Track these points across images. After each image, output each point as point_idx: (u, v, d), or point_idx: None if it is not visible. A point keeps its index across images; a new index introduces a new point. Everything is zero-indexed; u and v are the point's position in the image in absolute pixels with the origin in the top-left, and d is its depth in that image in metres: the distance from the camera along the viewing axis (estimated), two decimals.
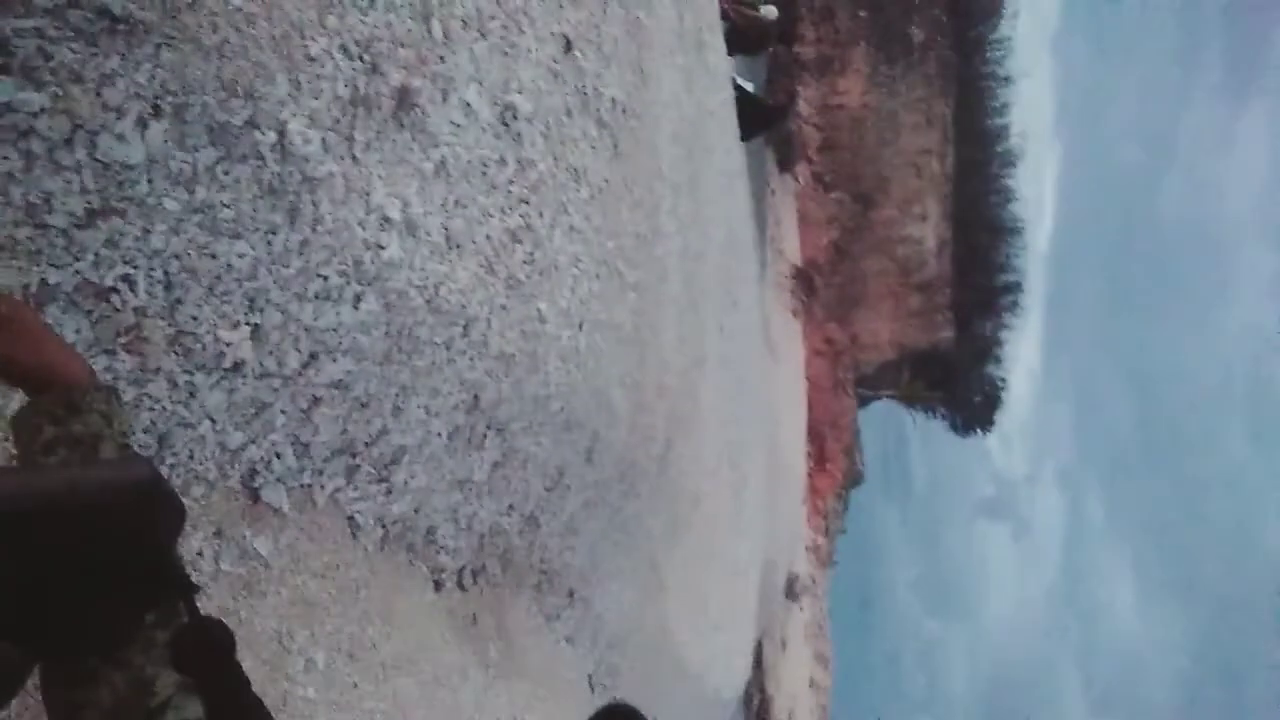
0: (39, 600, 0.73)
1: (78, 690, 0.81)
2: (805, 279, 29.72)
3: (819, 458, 30.28)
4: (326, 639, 3.34)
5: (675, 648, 8.94)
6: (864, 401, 37.46)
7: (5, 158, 2.07)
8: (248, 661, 2.90)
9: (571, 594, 6.34)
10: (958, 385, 37.76)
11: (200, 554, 2.79)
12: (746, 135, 14.79)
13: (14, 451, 0.90)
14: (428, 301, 3.99)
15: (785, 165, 27.47)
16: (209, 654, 0.83)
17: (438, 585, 4.55)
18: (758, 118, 15.50)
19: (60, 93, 2.17)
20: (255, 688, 2.80)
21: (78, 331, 2.31)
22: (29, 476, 0.76)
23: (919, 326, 35.24)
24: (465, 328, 4.35)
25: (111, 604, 0.78)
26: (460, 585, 4.80)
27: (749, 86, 15.34)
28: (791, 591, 23.34)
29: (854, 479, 37.48)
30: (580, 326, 5.80)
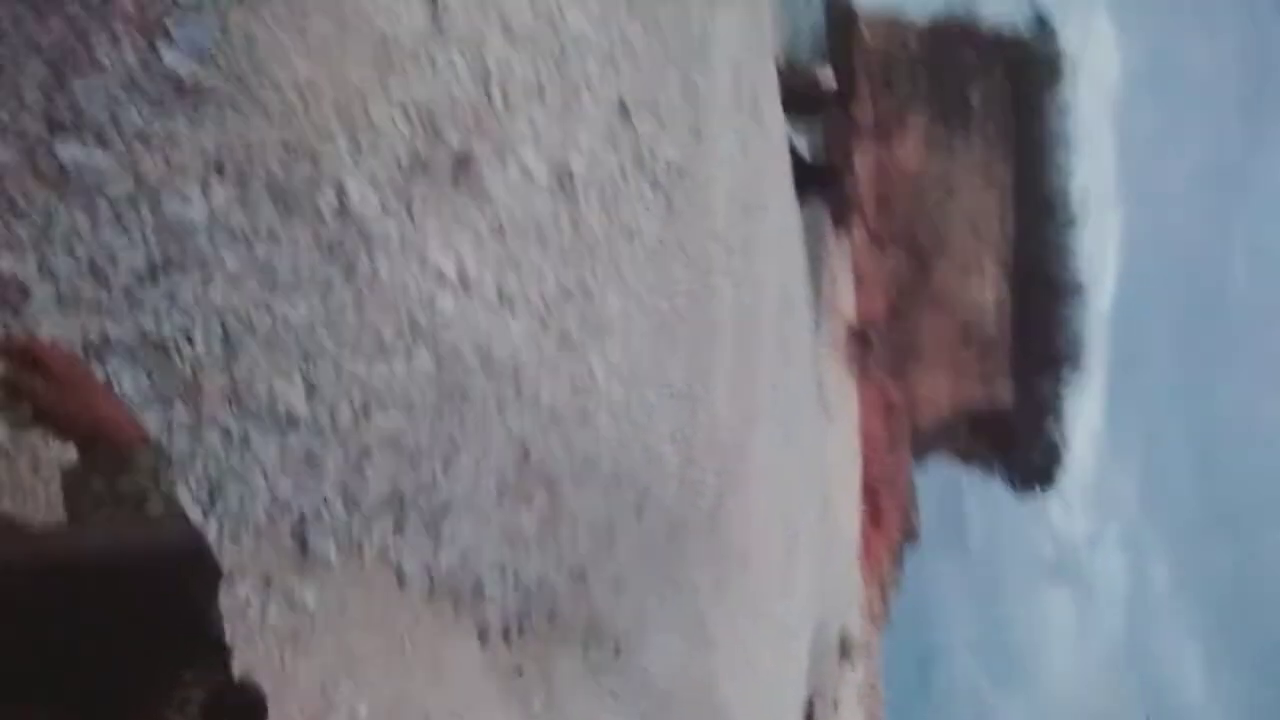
0: (72, 658, 0.76)
1: None
2: (861, 337, 29.54)
3: (874, 516, 29.83)
4: (370, 691, 3.36)
5: (723, 706, 8.80)
6: (920, 457, 36.90)
7: (71, 213, 2.17)
8: (292, 711, 2.93)
9: (617, 649, 6.29)
10: (1017, 443, 37.02)
11: (248, 602, 2.84)
12: (801, 196, 14.86)
13: (63, 508, 0.94)
14: (480, 357, 4.05)
15: (841, 224, 27.48)
16: (243, 717, 0.85)
17: (483, 638, 4.56)
18: (812, 178, 15.57)
19: (127, 152, 2.28)
20: None
21: (136, 383, 2.39)
22: (73, 535, 0.80)
23: (977, 385, 34.74)
24: (517, 383, 4.41)
25: (146, 664, 0.80)
26: (505, 638, 4.80)
27: (804, 147, 15.44)
28: (845, 651, 22.86)
29: (910, 537, 36.81)
30: (631, 383, 5.83)
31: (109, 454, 0.97)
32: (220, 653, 0.87)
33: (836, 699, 21.28)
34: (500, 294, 4.15)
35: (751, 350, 9.47)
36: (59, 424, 0.96)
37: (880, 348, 31.04)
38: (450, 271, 3.74)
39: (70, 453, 1.02)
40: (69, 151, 2.16)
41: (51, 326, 2.11)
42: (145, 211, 2.33)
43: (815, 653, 14.75)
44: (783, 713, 11.59)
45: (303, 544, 3.18)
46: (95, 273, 2.22)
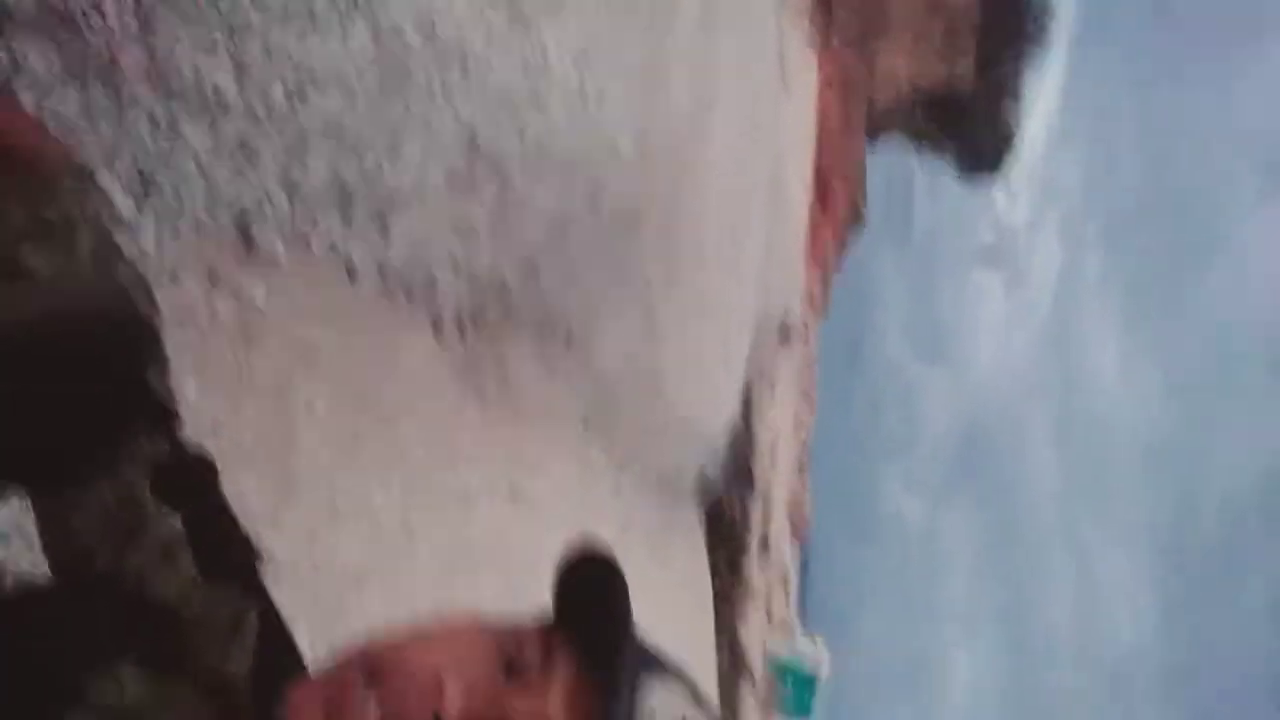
0: (9, 428, 0.67)
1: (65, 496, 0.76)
2: (826, 5, 27.98)
3: (822, 199, 29.88)
4: (327, 385, 3.35)
5: (668, 392, 9.18)
6: (873, 138, 36.49)
7: None
8: (248, 407, 2.91)
9: (569, 339, 6.40)
10: (972, 125, 36.62)
11: (196, 300, 2.73)
12: None
13: None
14: (423, 35, 3.71)
15: None
16: (191, 485, 0.78)
17: (437, 329, 4.56)
18: None
19: None
20: (257, 434, 2.82)
21: (45, 60, 2.13)
22: None
23: (939, 63, 33.73)
24: (463, 63, 4.09)
25: (88, 433, 0.70)
26: (459, 329, 4.81)
27: None
28: (784, 335, 23.81)
29: (856, 222, 37.25)
30: (586, 64, 5.48)
31: (28, 181, 0.82)
32: (167, 420, 0.77)
33: (773, 380, 22.42)
34: None
35: (713, 28, 8.94)
36: None
37: (846, 17, 29.58)
38: None
39: None
40: None
41: None
42: None
43: (757, 338, 15.31)
44: (723, 399, 12.19)
45: (247, 238, 3.03)
46: None
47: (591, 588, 0.63)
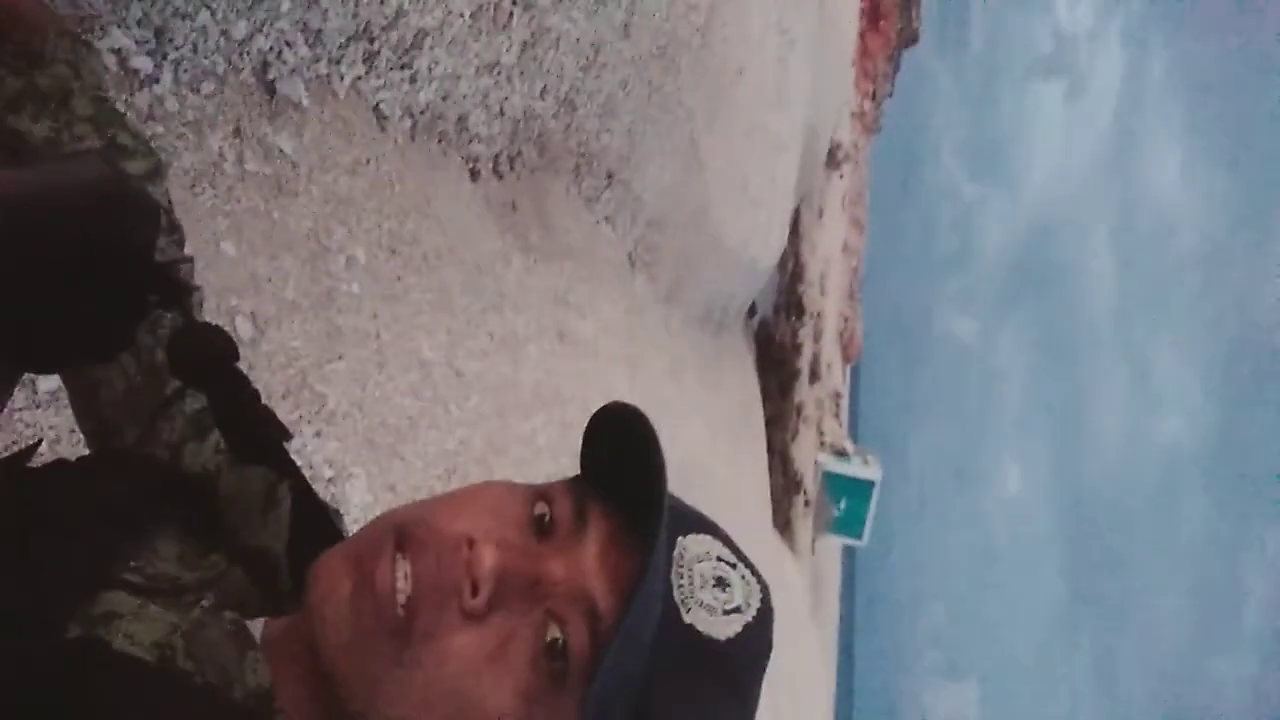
0: (17, 316, 0.65)
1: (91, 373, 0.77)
2: None
3: (873, 16, 28.48)
4: (365, 235, 3.33)
5: (714, 224, 9.04)
6: None
7: None
8: (287, 261, 2.91)
9: (610, 176, 6.27)
10: None
11: (222, 155, 2.69)
12: None
13: None
14: None
15: None
16: (211, 362, 0.76)
17: (474, 174, 4.48)
18: None
19: None
20: (298, 288, 2.82)
21: None
22: None
23: None
24: None
25: (95, 311, 0.69)
26: (496, 172, 4.72)
27: None
28: (833, 159, 23.20)
29: (909, 39, 35.57)
30: None
31: (20, 45, 0.79)
32: (178, 298, 0.76)
33: (822, 207, 22.02)
34: None
35: None
36: None
37: None
38: None
39: None
40: None
41: None
42: None
43: (804, 163, 14.91)
44: (770, 228, 11.97)
45: (269, 88, 2.95)
46: None
47: (623, 445, 0.60)
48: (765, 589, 0.61)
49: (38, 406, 1.93)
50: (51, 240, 0.63)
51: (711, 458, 9.24)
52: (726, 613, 0.57)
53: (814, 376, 23.40)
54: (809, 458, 23.35)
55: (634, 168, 6.48)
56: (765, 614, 0.60)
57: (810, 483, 23.25)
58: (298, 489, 0.75)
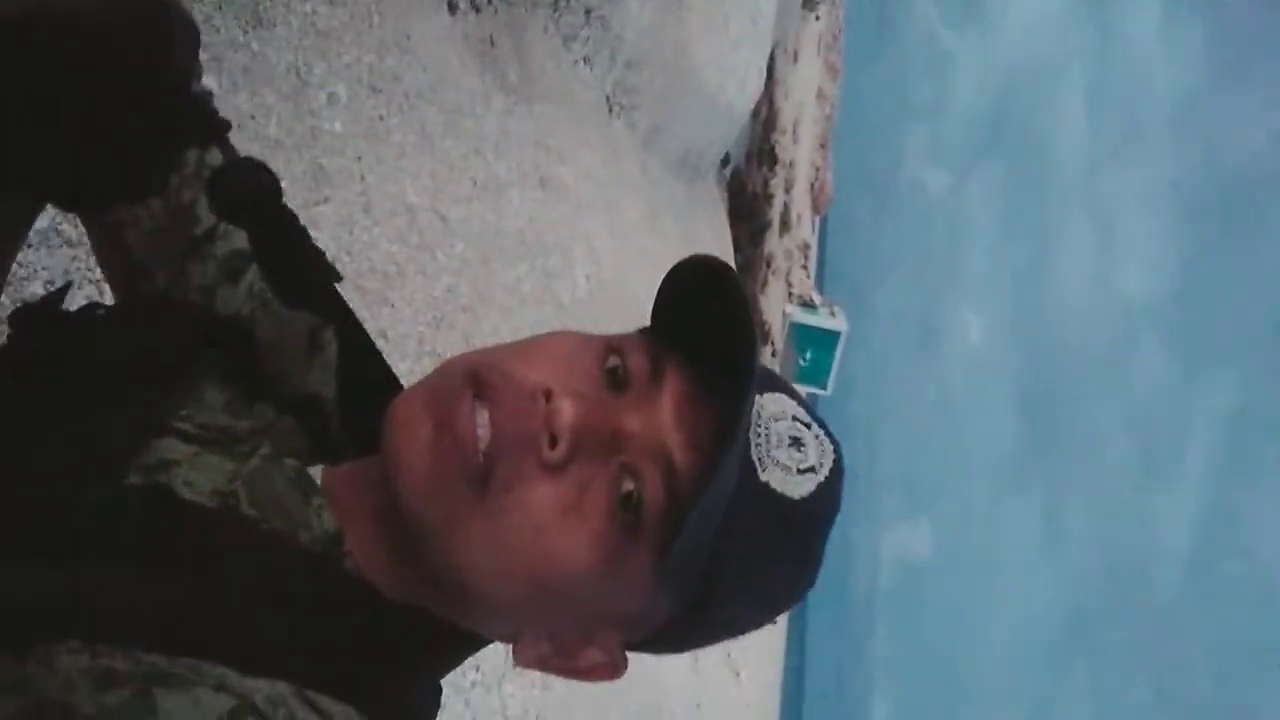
0: (49, 142, 0.60)
1: (116, 212, 0.71)
2: None
3: None
4: (345, 71, 3.19)
5: (693, 66, 8.75)
6: None
7: None
8: (269, 97, 2.79)
9: (588, 12, 6.02)
10: None
11: None
12: None
13: None
14: None
15: None
16: (251, 198, 0.70)
17: (452, 8, 4.28)
18: None
19: None
20: (281, 126, 2.72)
21: None
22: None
23: None
24: None
25: (132, 144, 0.63)
26: (473, 5, 4.52)
27: None
28: (810, 0, 22.46)
29: None
30: None
31: None
32: (218, 130, 0.70)
33: (797, 50, 21.43)
34: None
35: None
36: None
37: None
38: None
39: None
40: None
41: None
42: None
43: (781, 5, 14.40)
44: (748, 71, 11.63)
45: None
46: None
47: (699, 300, 0.57)
48: (838, 450, 0.60)
49: (29, 246, 1.87)
50: (86, 56, 0.58)
51: None
52: (801, 472, 0.57)
53: (784, 227, 23.31)
54: (777, 309, 23.50)
55: (613, 3, 6.22)
56: (837, 474, 0.59)
57: (778, 333, 23.49)
58: (346, 333, 0.72)
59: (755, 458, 0.56)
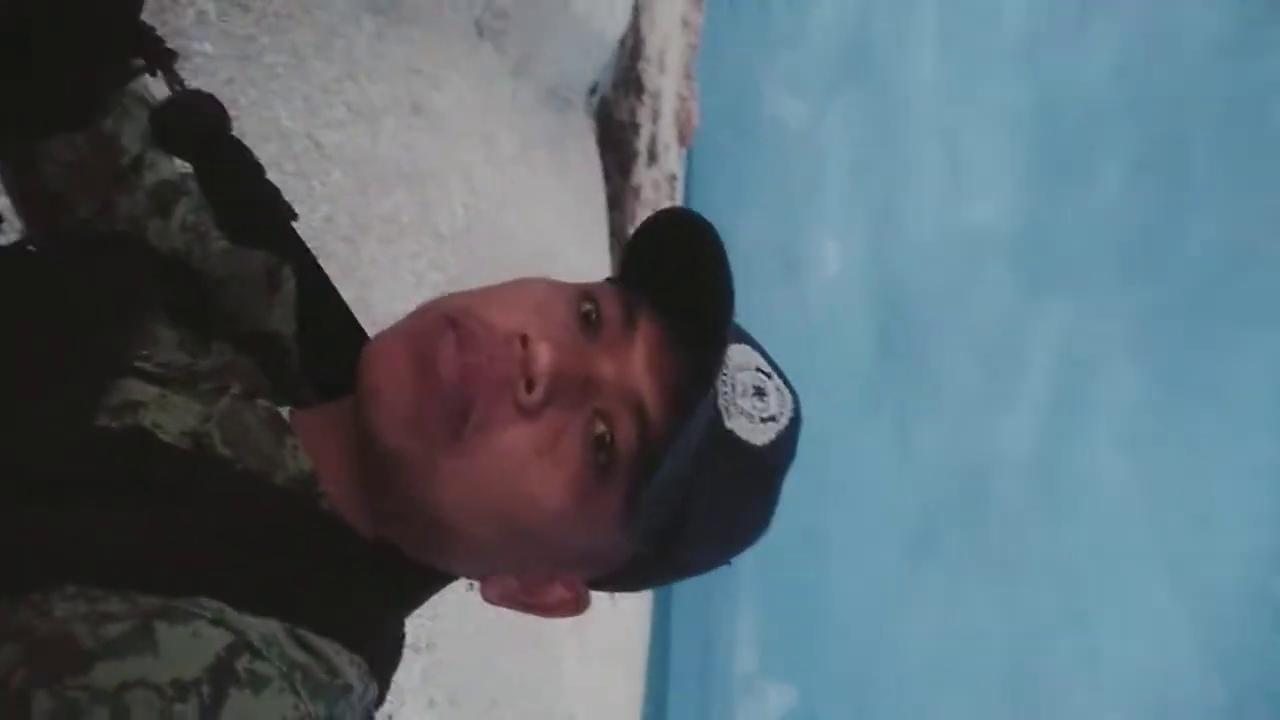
0: None
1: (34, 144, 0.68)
2: None
3: None
4: None
5: None
6: None
7: None
8: None
9: None
10: None
11: None
12: None
13: None
14: None
15: None
16: (200, 131, 0.68)
17: None
18: None
19: None
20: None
21: None
22: None
23: None
24: None
25: (81, 71, 0.62)
26: None
27: None
28: None
29: None
30: None
31: None
32: (163, 59, 0.67)
33: None
34: None
35: None
36: None
37: None
38: None
39: None
40: None
41: None
42: None
43: None
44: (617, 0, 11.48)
45: None
46: None
47: (673, 251, 0.58)
48: (797, 400, 0.62)
49: None
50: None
51: (562, 242, 9.23)
52: (763, 420, 0.59)
53: (652, 158, 23.29)
54: None
55: None
56: (796, 423, 0.61)
57: None
58: (304, 271, 0.70)
59: (721, 406, 0.58)
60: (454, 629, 3.98)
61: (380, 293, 3.95)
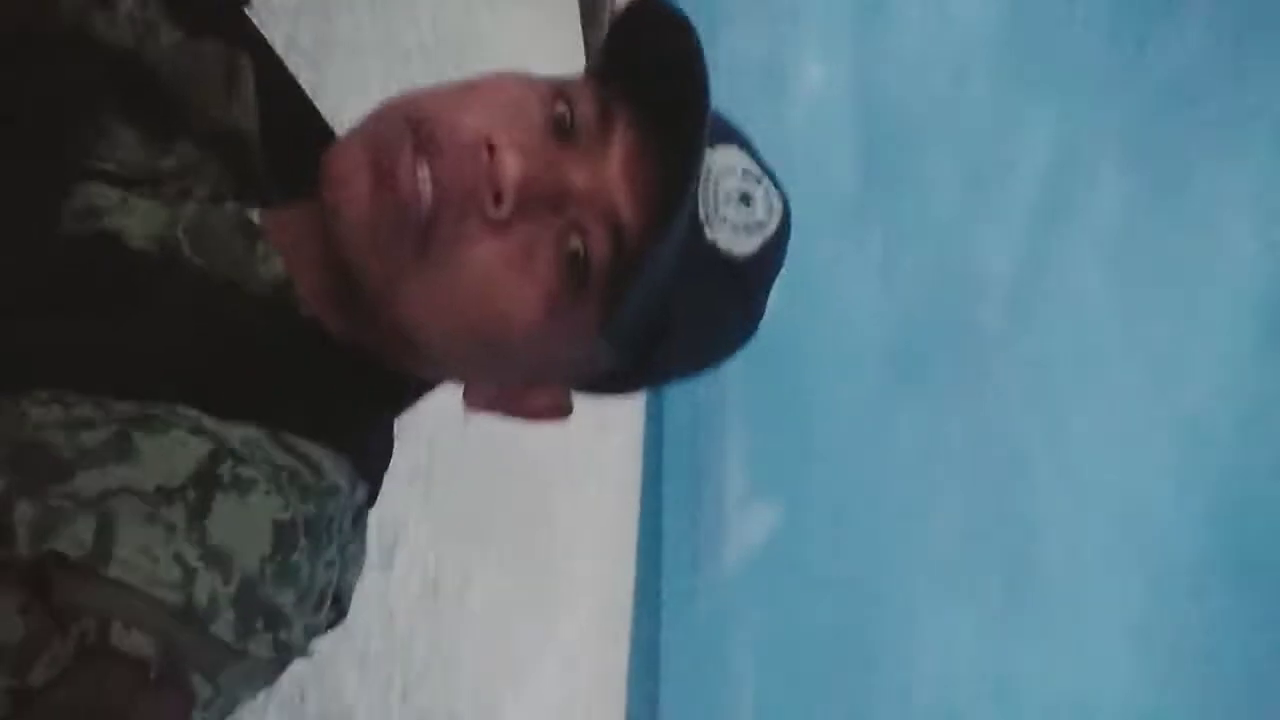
0: None
1: None
2: None
3: None
4: None
5: None
6: None
7: None
8: None
9: None
10: None
11: None
12: None
13: None
14: None
15: None
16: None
17: None
18: None
19: None
20: None
21: None
22: None
23: None
24: None
25: None
26: None
27: None
28: None
29: None
30: None
31: None
32: None
33: None
34: None
35: None
36: None
37: None
38: None
39: None
40: None
41: None
42: None
43: None
44: None
45: None
46: None
47: (652, 44, 0.54)
48: (786, 203, 0.60)
49: None
50: None
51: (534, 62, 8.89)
52: (748, 228, 0.57)
53: None
54: None
55: None
56: (784, 229, 0.59)
57: None
58: (262, 61, 0.64)
59: (703, 215, 0.55)
60: (451, 459, 4.02)
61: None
